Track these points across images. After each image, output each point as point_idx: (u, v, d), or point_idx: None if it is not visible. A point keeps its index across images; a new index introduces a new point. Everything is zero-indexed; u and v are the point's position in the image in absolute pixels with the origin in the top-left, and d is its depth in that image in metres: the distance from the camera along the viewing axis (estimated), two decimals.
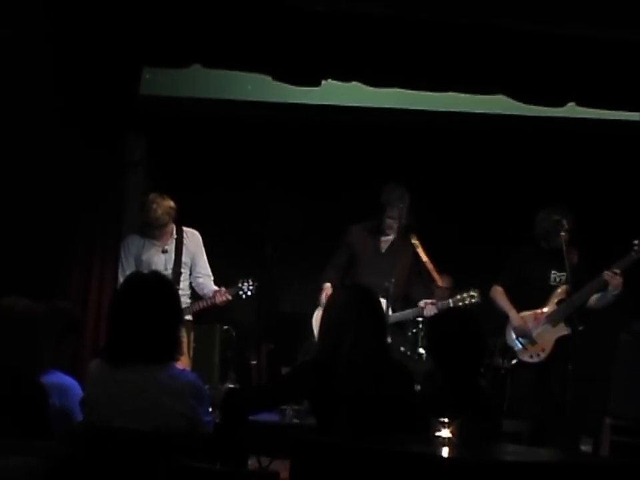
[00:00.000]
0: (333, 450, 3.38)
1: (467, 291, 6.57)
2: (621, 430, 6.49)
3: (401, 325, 6.68)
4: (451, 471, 3.11)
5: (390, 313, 6.32)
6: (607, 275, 6.18)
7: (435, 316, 5.70)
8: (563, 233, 6.27)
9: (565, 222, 6.33)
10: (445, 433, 3.33)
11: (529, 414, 6.08)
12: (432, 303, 6.49)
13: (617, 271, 6.16)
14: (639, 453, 6.25)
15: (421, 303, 6.51)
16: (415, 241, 6.63)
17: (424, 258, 6.59)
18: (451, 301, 6.54)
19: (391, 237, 6.69)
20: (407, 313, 6.56)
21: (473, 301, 6.52)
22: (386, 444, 3.43)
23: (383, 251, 6.69)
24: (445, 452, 3.27)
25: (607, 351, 7.00)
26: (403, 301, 6.62)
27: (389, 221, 6.58)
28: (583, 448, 6.69)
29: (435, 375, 4.16)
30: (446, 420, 3.35)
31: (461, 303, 6.53)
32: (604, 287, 6.24)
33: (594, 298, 6.32)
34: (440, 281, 6.58)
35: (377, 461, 3.21)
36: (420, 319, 6.67)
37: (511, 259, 6.59)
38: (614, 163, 7.88)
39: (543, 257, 6.48)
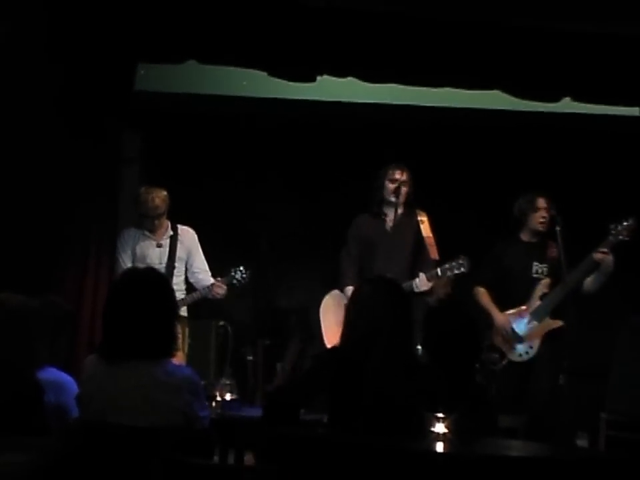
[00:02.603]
0: (325, 446, 3.37)
1: (456, 259, 6.35)
2: (617, 425, 6.47)
3: None
4: (446, 467, 3.11)
5: None
6: (596, 255, 6.07)
7: (431, 311, 5.68)
8: (538, 214, 6.26)
9: (539, 201, 6.31)
10: (440, 428, 3.33)
11: (521, 410, 6.03)
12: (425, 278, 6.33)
13: (604, 249, 6.07)
14: (635, 448, 6.25)
15: (417, 279, 6.35)
16: (421, 217, 6.51)
17: (425, 233, 6.45)
18: (439, 270, 6.34)
19: (394, 216, 6.52)
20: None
21: (462, 269, 6.32)
22: (380, 440, 3.43)
23: (389, 230, 6.54)
24: (440, 447, 3.27)
25: (604, 346, 7.00)
26: (409, 278, 6.40)
27: (388, 192, 6.50)
28: (579, 443, 6.69)
29: (431, 369, 4.16)
30: (441, 415, 3.35)
31: (449, 272, 6.35)
32: (593, 269, 6.14)
33: (588, 281, 6.19)
34: (434, 254, 6.36)
35: (371, 457, 3.22)
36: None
37: (487, 256, 6.50)
38: (609, 158, 7.88)
39: (523, 249, 6.40)
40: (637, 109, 7.02)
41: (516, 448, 3.85)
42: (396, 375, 3.91)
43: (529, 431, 5.70)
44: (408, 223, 6.56)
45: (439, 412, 3.36)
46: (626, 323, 6.84)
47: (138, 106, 6.63)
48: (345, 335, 4.10)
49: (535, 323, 6.27)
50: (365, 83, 6.49)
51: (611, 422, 6.48)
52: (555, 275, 6.26)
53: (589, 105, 6.82)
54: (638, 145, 7.50)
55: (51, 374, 3.91)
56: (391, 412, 3.82)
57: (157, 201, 6.37)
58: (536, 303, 6.31)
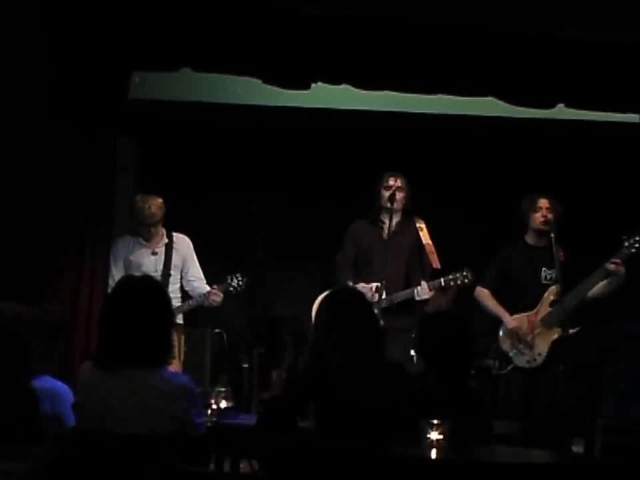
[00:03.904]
0: (317, 452, 3.37)
1: (460, 270, 6.40)
2: (612, 431, 6.46)
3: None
4: (440, 473, 3.11)
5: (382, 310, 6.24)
6: (609, 266, 6.00)
7: (426, 318, 5.66)
8: (539, 214, 6.22)
9: (540, 201, 6.28)
10: (435, 434, 3.33)
11: (522, 416, 5.98)
12: (427, 286, 6.40)
13: (618, 260, 6.01)
14: (630, 454, 6.23)
15: (418, 287, 6.42)
16: (419, 225, 6.57)
17: (425, 240, 6.50)
18: (442, 280, 6.40)
19: (393, 223, 6.53)
20: (400, 294, 6.43)
21: (466, 281, 6.38)
22: (374, 446, 3.42)
23: (386, 237, 6.52)
24: (434, 454, 3.27)
25: (599, 352, 6.99)
26: (404, 285, 6.50)
27: (384, 199, 6.53)
28: (575, 449, 6.68)
29: (426, 376, 4.16)
30: (436, 421, 3.35)
31: (452, 283, 6.40)
32: (604, 279, 6.07)
33: (599, 286, 6.10)
34: (435, 262, 6.41)
35: (364, 464, 3.21)
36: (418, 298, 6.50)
37: (495, 257, 6.39)
38: (603, 163, 7.89)
39: (531, 253, 6.30)
40: (636, 115, 7.02)
41: (511, 454, 3.85)
42: (364, 382, 3.91)
43: (525, 437, 5.69)
44: (406, 231, 6.61)
45: (434, 418, 3.36)
46: (620, 329, 6.83)
47: (132, 114, 6.63)
48: (312, 344, 4.15)
49: (544, 329, 6.19)
50: (359, 90, 6.49)
51: (606, 428, 6.47)
52: (564, 281, 6.09)
53: (583, 112, 6.82)
54: (637, 152, 7.50)
55: (47, 382, 3.91)
56: (362, 417, 3.83)
57: (153, 209, 6.38)
58: (546, 309, 6.22)
